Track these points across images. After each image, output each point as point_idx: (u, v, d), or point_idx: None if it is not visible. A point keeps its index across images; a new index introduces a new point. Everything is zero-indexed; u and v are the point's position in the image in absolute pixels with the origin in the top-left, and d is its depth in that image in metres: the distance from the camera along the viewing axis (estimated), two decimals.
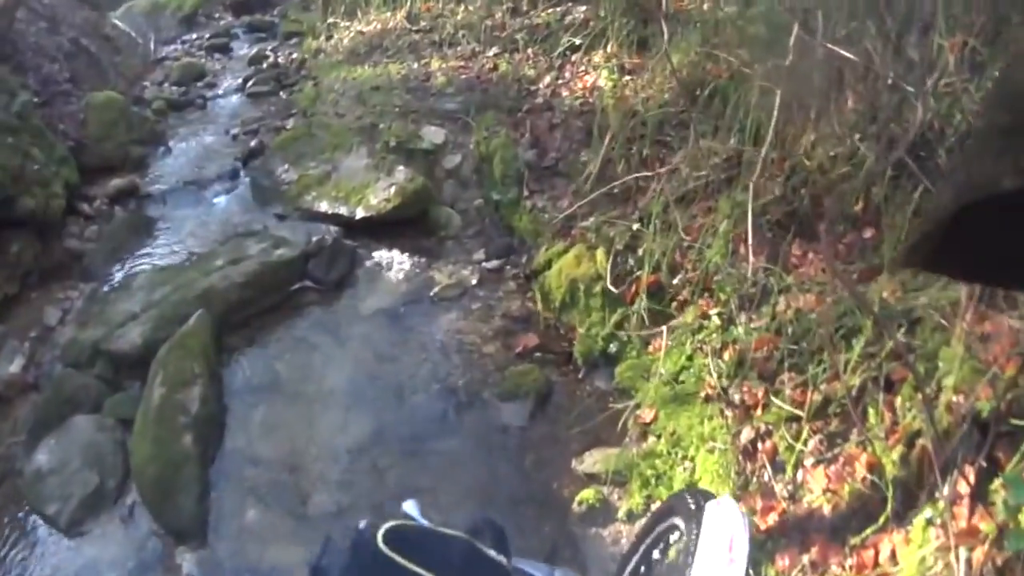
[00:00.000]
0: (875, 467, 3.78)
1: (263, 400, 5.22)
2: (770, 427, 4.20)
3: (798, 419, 4.13)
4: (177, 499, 4.61)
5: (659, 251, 5.09)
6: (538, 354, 5.41)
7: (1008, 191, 0.99)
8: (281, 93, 9.38)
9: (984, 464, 3.47)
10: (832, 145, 4.85)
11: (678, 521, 2.63)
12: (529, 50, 7.83)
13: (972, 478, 3.45)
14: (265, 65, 10.43)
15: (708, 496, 2.60)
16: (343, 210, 6.67)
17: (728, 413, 4.35)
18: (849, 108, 4.85)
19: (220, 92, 9.85)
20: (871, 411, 4.01)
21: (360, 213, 6.58)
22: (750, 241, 4.34)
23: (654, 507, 4.10)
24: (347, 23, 9.88)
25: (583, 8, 8.00)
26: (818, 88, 4.79)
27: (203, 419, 4.96)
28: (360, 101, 7.99)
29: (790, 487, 3.99)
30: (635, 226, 5.33)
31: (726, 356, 4.55)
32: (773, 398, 4.27)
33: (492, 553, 1.22)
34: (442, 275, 6.13)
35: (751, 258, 4.39)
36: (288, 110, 8.64)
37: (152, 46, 11.36)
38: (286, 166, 7.36)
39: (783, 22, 4.99)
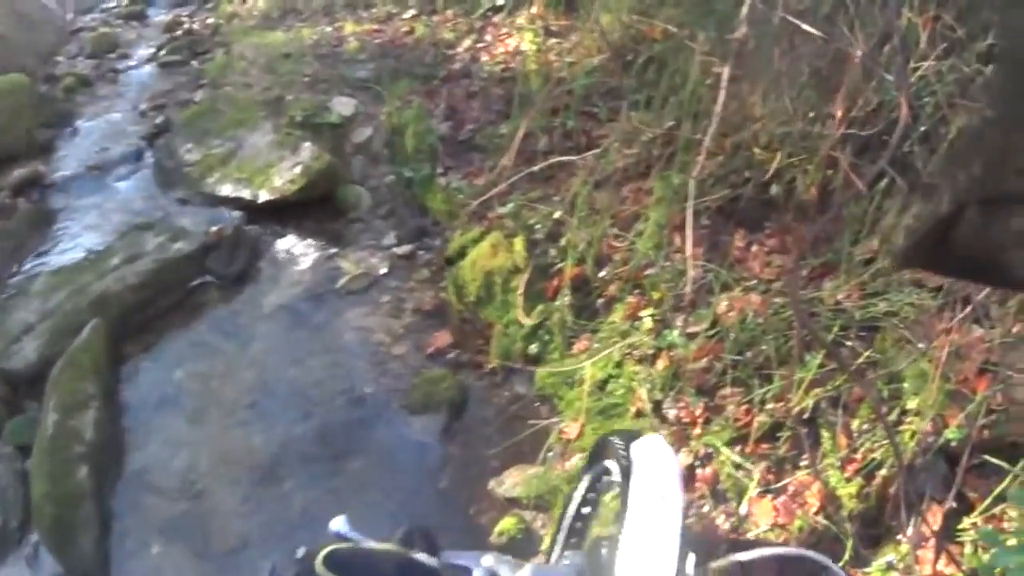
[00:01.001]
0: (830, 500, 3.39)
1: (162, 417, 4.74)
2: (710, 450, 3.68)
3: (743, 441, 3.64)
4: (77, 540, 4.16)
5: (584, 240, 4.50)
6: (452, 355, 4.85)
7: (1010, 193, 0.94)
8: (193, 62, 8.69)
9: (953, 503, 3.16)
10: (782, 123, 4.17)
11: (609, 464, 2.35)
12: (449, 11, 7.15)
13: (939, 518, 3.14)
14: (179, 32, 9.70)
15: (635, 436, 2.17)
16: (246, 193, 6.08)
17: (662, 432, 3.75)
18: (804, 82, 4.18)
19: (133, 63, 9.12)
20: (825, 435, 3.55)
21: (264, 196, 5.99)
22: (688, 231, 3.66)
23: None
24: None
25: None
26: (769, 61, 4.12)
27: (99, 446, 4.48)
28: (269, 70, 7.36)
29: (733, 520, 3.52)
30: (557, 212, 4.59)
31: (659, 365, 3.97)
32: (714, 416, 3.76)
33: (424, 558, 1.20)
34: (350, 263, 5.57)
35: (688, 251, 3.73)
36: (198, 81, 8.01)
37: (70, 16, 10.51)
38: (189, 145, 6.73)
39: None
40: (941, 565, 3.07)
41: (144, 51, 9.23)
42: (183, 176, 6.47)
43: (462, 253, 5.01)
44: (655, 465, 2.05)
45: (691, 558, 1.58)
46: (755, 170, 4.34)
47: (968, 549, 3.05)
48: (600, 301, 4.37)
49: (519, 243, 4.66)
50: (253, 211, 5.99)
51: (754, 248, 4.21)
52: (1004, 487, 3.00)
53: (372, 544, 1.19)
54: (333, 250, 5.71)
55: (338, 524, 1.21)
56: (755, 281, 4.01)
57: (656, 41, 5.27)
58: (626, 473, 2.10)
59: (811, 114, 4.24)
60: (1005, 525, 3.05)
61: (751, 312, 3.86)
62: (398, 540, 1.32)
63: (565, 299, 4.37)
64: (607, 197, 4.58)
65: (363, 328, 5.09)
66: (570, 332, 4.35)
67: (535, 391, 4.40)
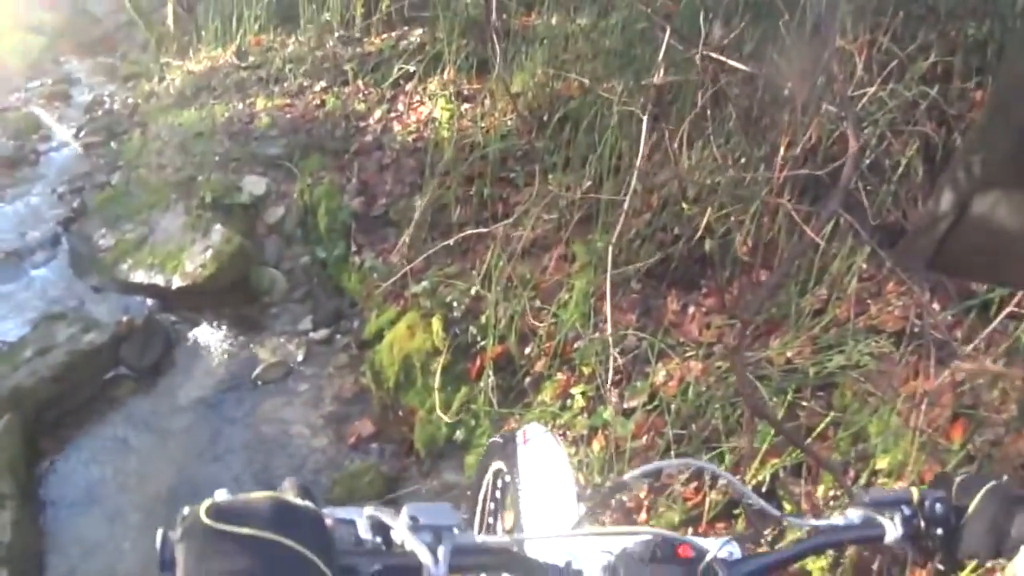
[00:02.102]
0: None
1: (81, 517, 4.33)
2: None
3: (695, 523, 3.22)
4: None
5: (505, 316, 4.07)
6: (375, 444, 4.42)
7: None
8: (112, 143, 8.26)
9: (939, 566, 2.53)
10: (711, 173, 3.75)
11: (498, 464, 2.54)
12: (359, 81, 6.69)
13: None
14: (100, 112, 9.29)
15: (515, 430, 2.49)
16: (159, 279, 5.68)
17: (605, 519, 3.32)
18: (732, 127, 3.78)
19: (54, 145, 8.72)
20: (788, 508, 3.13)
21: (176, 282, 5.60)
22: (607, 298, 3.24)
23: None
24: (179, 62, 8.71)
25: (419, 31, 6.83)
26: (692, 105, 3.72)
27: (18, 551, 4.09)
28: (183, 150, 6.92)
29: None
30: (474, 288, 4.15)
31: (595, 446, 3.54)
32: (660, 498, 3.32)
33: (299, 502, 1.08)
34: (265, 351, 5.14)
35: (609, 320, 3.38)
36: (115, 163, 7.55)
37: None
38: (103, 230, 6.34)
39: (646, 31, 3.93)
40: None
41: (65, 132, 8.83)
42: (97, 262, 6.11)
43: (379, 336, 4.61)
44: (539, 447, 2.26)
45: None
46: (685, 226, 3.91)
47: None
48: (527, 380, 3.96)
49: (436, 323, 4.24)
50: (167, 298, 5.63)
51: (691, 310, 3.80)
52: None
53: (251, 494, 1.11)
54: (248, 337, 5.30)
55: (222, 495, 1.12)
56: (694, 346, 3.57)
57: (572, 98, 4.86)
58: (514, 464, 2.28)
59: (742, 160, 3.82)
60: None
61: (692, 380, 3.46)
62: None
63: (489, 380, 3.95)
64: (527, 268, 4.18)
65: (281, 420, 4.69)
66: (497, 415, 3.94)
67: (466, 478, 3.94)
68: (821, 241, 3.15)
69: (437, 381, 4.11)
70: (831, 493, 3.07)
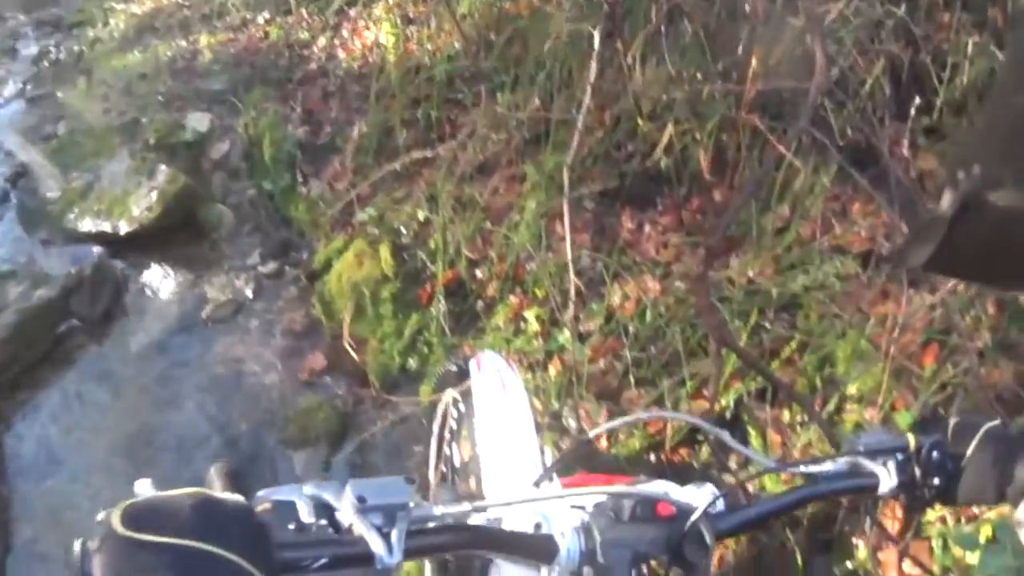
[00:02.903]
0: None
1: (45, 479, 4.13)
2: (621, 460, 3.03)
3: (657, 449, 3.00)
4: None
5: (455, 240, 3.80)
6: (328, 378, 4.13)
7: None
8: (58, 93, 7.88)
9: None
10: (667, 89, 3.48)
11: (452, 393, 2.40)
12: (303, 10, 6.37)
13: (898, 514, 2.60)
14: (47, 63, 8.91)
15: (469, 358, 2.30)
16: (106, 226, 5.41)
17: (564, 445, 3.07)
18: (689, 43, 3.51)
19: (1, 101, 8.27)
20: (753, 434, 2.90)
21: (124, 228, 5.32)
22: (567, 219, 2.95)
23: None
24: (123, 6, 8.39)
25: None
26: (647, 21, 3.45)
27: None
28: (127, 93, 6.67)
29: None
30: (422, 212, 3.88)
31: (552, 371, 3.29)
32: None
33: (226, 497, 0.93)
34: (214, 289, 4.87)
35: (568, 239, 3.00)
36: (62, 113, 7.20)
37: None
38: (50, 182, 6.09)
39: None
40: (907, 566, 2.53)
41: (12, 88, 8.48)
42: (46, 215, 5.84)
43: (328, 266, 4.33)
44: (492, 372, 2.09)
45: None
46: (640, 143, 3.64)
47: (937, 545, 2.50)
48: (479, 305, 3.69)
49: (385, 250, 3.98)
50: (115, 244, 5.35)
51: (646, 229, 3.54)
52: None
53: (171, 492, 0.92)
54: (197, 276, 5.04)
55: (143, 487, 0.95)
56: (651, 265, 3.32)
57: (520, 16, 4.55)
58: (467, 389, 2.12)
59: (699, 76, 3.54)
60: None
61: (650, 302, 3.19)
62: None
63: (440, 306, 3.68)
64: (476, 190, 3.90)
65: (233, 359, 4.43)
66: (450, 341, 3.68)
67: (421, 409, 3.64)
68: (791, 155, 2.89)
69: (387, 310, 3.86)
70: (798, 418, 2.86)
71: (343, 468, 3.76)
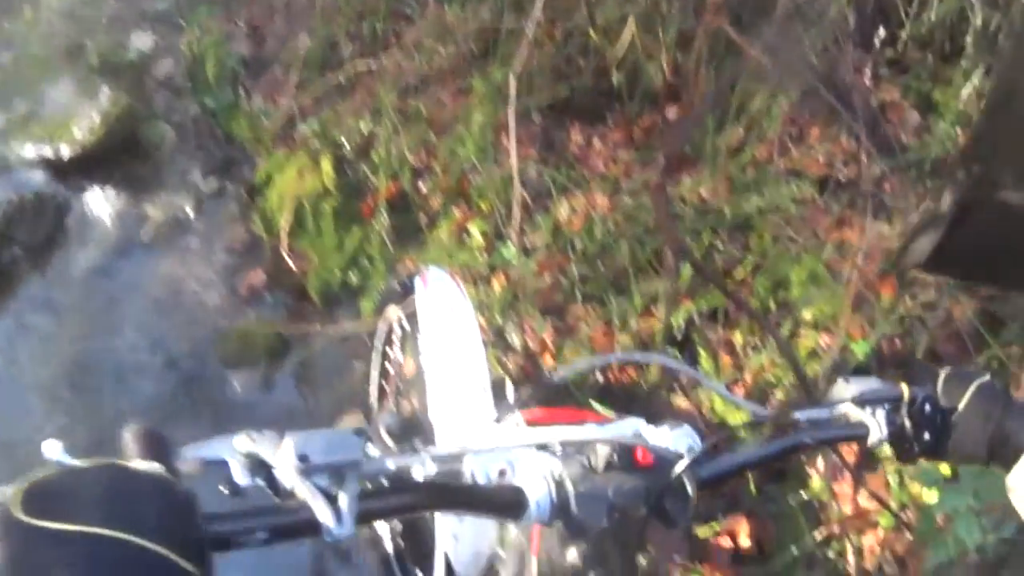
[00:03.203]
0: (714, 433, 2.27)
1: None
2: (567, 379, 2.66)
3: (604, 369, 2.72)
4: None
5: (398, 152, 3.46)
6: (268, 294, 3.84)
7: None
8: (4, 23, 7.38)
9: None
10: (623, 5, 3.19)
11: (395, 311, 2.21)
12: None
13: (854, 447, 2.28)
14: None
15: (414, 274, 2.11)
16: (48, 152, 5.05)
17: (508, 362, 2.82)
18: None
19: None
20: (704, 355, 2.67)
21: (66, 152, 4.98)
22: (512, 128, 2.66)
23: None
24: None
25: None
26: None
27: None
28: (71, 17, 6.20)
29: None
30: (365, 125, 3.58)
31: (496, 285, 2.98)
32: (566, 340, 2.80)
33: (143, 466, 0.75)
34: (156, 209, 4.53)
35: (513, 150, 2.74)
36: (8, 42, 6.72)
37: None
38: None
39: None
40: (863, 500, 2.33)
41: None
42: None
43: (269, 181, 3.96)
44: (439, 291, 1.93)
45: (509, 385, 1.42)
46: (592, 57, 3.34)
47: (893, 481, 2.31)
48: (423, 218, 3.36)
49: (327, 163, 3.62)
50: (59, 169, 4.98)
51: (596, 144, 3.23)
52: None
53: (79, 463, 0.73)
54: (139, 197, 4.69)
55: (53, 450, 0.73)
56: (599, 180, 3.04)
57: None
58: (412, 308, 1.94)
59: None
60: None
61: (598, 216, 2.90)
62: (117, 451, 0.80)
63: (382, 220, 3.36)
64: (422, 102, 3.56)
65: (174, 279, 4.13)
66: (392, 255, 3.37)
67: (363, 325, 3.35)
68: (763, 59, 2.61)
69: (328, 224, 3.56)
70: (751, 342, 2.61)
71: (283, 387, 3.49)
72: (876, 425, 1.06)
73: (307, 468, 0.77)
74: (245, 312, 3.80)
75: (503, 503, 0.92)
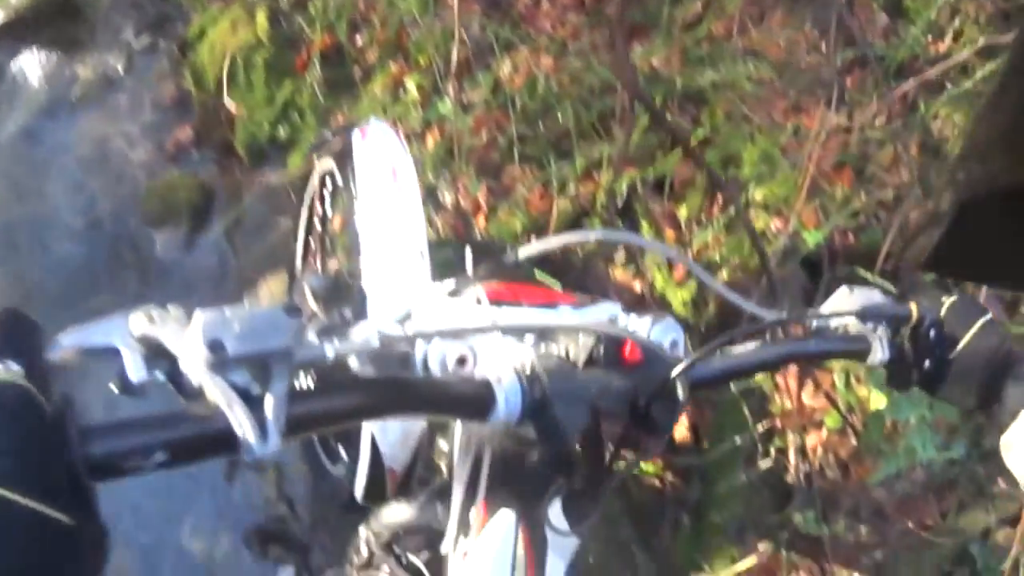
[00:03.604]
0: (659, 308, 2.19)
1: None
2: (500, 241, 2.43)
3: (539, 231, 2.42)
4: None
5: (335, 3, 3.05)
6: (195, 151, 3.49)
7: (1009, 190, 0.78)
8: None
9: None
10: None
11: (329, 164, 1.82)
12: None
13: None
14: None
15: (351, 126, 1.74)
16: None
17: (438, 221, 2.50)
18: None
19: None
20: (645, 226, 2.34)
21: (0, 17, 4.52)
22: None
23: None
24: None
25: None
26: None
27: None
28: None
29: None
30: None
31: (430, 141, 2.60)
32: (501, 201, 2.47)
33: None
34: (86, 68, 4.12)
35: (455, 3, 2.41)
36: None
37: None
38: None
39: None
40: (807, 398, 2.04)
41: None
42: None
43: (202, 36, 3.53)
44: (380, 149, 1.68)
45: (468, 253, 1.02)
46: None
47: (839, 382, 2.02)
48: (358, 72, 2.95)
49: (261, 15, 3.20)
50: None
51: (544, 4, 2.86)
52: None
53: None
54: (70, 57, 4.27)
55: None
56: (546, 40, 2.68)
57: None
58: (349, 165, 1.70)
59: None
60: None
61: (542, 76, 2.54)
62: None
63: (316, 72, 2.96)
64: None
65: (100, 138, 3.75)
66: (324, 109, 2.97)
67: (288, 180, 3.02)
68: None
69: (260, 77, 3.17)
70: (696, 217, 2.29)
71: (207, 246, 3.17)
72: (879, 344, 0.89)
73: (221, 360, 0.55)
74: (171, 169, 3.44)
75: (466, 399, 0.69)
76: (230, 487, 2.57)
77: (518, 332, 0.75)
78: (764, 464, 1.95)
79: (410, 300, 0.87)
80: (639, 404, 0.73)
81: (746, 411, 1.94)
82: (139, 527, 2.46)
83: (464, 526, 0.83)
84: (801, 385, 1.98)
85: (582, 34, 2.69)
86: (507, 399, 0.69)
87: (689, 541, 2.04)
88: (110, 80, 3.97)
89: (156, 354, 0.55)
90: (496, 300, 0.90)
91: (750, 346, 0.87)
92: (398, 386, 0.67)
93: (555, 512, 0.79)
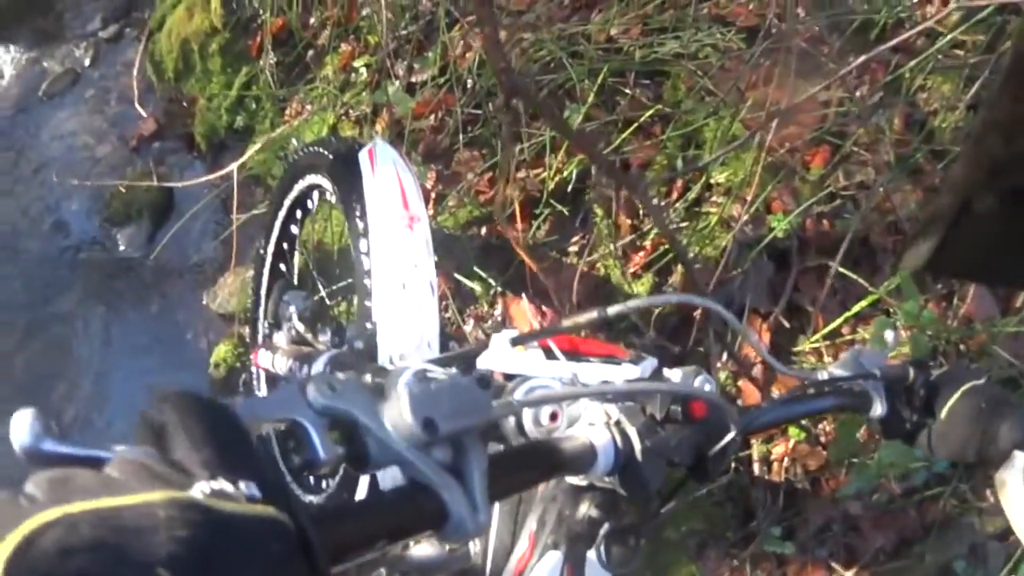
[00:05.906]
0: (609, 303, 1.62)
1: None
2: (448, 232, 2.20)
3: (487, 221, 2.19)
4: None
5: None
6: (157, 144, 3.28)
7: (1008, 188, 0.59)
8: None
9: (784, 321, 1.89)
10: None
11: (319, 179, 1.65)
12: None
13: (765, 336, 1.88)
14: None
15: (353, 144, 1.57)
16: None
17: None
18: None
19: None
20: (599, 213, 2.08)
21: None
22: None
23: None
24: None
25: None
26: None
27: None
28: None
29: (487, 325, 2.12)
30: None
31: (378, 125, 2.38)
32: (449, 189, 2.24)
33: (241, 508, 0.41)
34: (54, 62, 3.90)
35: None
36: None
37: None
38: None
39: None
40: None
41: None
42: None
43: (162, 23, 3.27)
44: (391, 177, 1.49)
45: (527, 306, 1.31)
46: None
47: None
48: (311, 54, 2.71)
49: (216, 0, 2.93)
50: None
51: None
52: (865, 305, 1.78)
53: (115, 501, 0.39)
54: (39, 52, 4.02)
55: (21, 427, 0.43)
56: (499, 12, 2.40)
57: None
58: (348, 187, 1.53)
59: None
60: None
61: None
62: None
63: (269, 58, 2.71)
64: None
65: (67, 133, 3.56)
66: (280, 96, 2.75)
67: (248, 172, 2.78)
68: None
69: (216, 64, 2.91)
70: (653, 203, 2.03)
71: (168, 245, 2.95)
72: (878, 399, 0.94)
73: (432, 439, 0.53)
74: (135, 164, 3.24)
75: (573, 459, 0.69)
76: None
77: (621, 396, 0.74)
78: (726, 476, 1.68)
79: (483, 354, 0.86)
80: (704, 456, 0.74)
81: None
82: None
83: (502, 569, 0.82)
84: (764, 392, 1.71)
85: (536, 4, 2.40)
86: (604, 456, 0.70)
87: (644, 559, 1.77)
88: (77, 74, 3.79)
89: (340, 427, 0.53)
90: (572, 353, 0.87)
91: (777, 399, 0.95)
92: (549, 453, 0.69)
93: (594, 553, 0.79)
